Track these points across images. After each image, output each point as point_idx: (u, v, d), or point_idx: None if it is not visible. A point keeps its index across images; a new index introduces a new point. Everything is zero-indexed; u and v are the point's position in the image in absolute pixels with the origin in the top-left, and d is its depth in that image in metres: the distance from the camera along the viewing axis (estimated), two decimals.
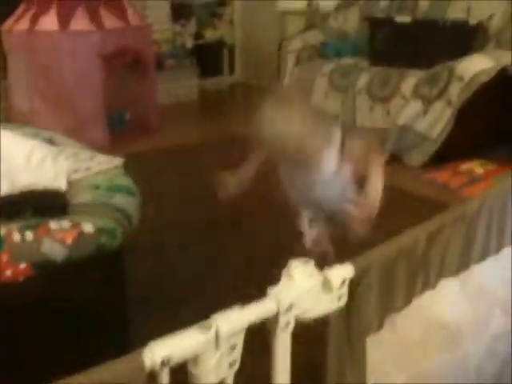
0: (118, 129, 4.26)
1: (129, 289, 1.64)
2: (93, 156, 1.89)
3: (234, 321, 0.63)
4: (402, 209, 3.03)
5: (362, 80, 3.95)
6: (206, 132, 4.50)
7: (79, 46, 3.87)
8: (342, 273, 0.74)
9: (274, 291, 0.68)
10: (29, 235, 1.35)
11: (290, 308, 0.68)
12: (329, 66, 4.20)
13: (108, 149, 3.97)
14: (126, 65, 4.27)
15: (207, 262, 2.43)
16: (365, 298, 0.80)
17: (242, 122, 5.36)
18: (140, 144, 4.11)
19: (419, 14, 4.16)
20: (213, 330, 0.62)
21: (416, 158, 3.61)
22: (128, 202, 1.58)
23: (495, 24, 3.79)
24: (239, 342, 0.64)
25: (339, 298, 0.74)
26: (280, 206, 1.98)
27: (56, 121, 3.91)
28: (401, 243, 0.87)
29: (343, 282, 0.74)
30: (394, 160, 3.67)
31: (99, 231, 1.39)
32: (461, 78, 3.42)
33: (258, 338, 0.71)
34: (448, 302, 1.16)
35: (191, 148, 4.10)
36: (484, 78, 3.38)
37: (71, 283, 1.41)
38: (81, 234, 1.36)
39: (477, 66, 3.44)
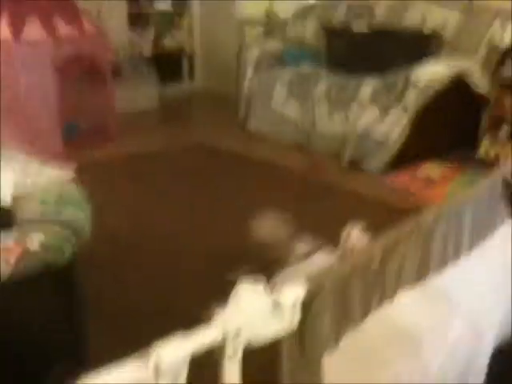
0: (74, 138, 4.16)
1: (81, 304, 1.57)
2: (42, 169, 1.81)
3: (175, 350, 0.59)
4: (362, 215, 3.02)
5: (321, 87, 3.95)
6: (166, 140, 4.43)
7: (32, 56, 3.75)
8: (293, 293, 0.71)
9: (219, 316, 0.64)
10: None
11: (237, 334, 0.63)
12: (288, 74, 4.19)
13: (63, 159, 3.88)
14: (82, 73, 4.18)
15: (164, 276, 2.37)
16: (318, 318, 0.76)
17: (203, 130, 5.30)
18: (97, 153, 4.02)
19: (376, 21, 4.20)
20: (152, 362, 0.57)
21: (375, 163, 3.63)
22: (77, 217, 1.51)
23: (449, 32, 3.86)
24: (182, 373, 0.60)
25: (291, 320, 0.71)
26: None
27: (8, 132, 3.79)
28: (354, 260, 0.84)
29: (295, 302, 0.71)
30: (354, 166, 3.69)
31: (45, 248, 1.33)
32: (416, 85, 3.46)
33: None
34: (408, 309, 1.15)
35: (149, 157, 4.03)
36: (438, 85, 3.43)
37: (19, 300, 1.34)
38: (25, 252, 1.29)
39: (431, 72, 3.48)
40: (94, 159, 3.87)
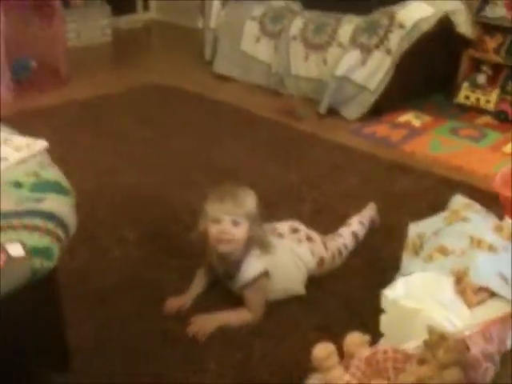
0: (24, 80, 3.78)
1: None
2: (7, 138, 1.53)
3: None
4: (348, 168, 2.87)
5: (296, 25, 3.67)
6: (124, 80, 4.08)
7: None
8: None
9: None
10: None
11: None
12: (259, 9, 3.87)
13: (13, 104, 3.51)
14: (28, 5, 3.74)
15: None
16: None
17: (163, 68, 4.88)
18: (51, 96, 3.66)
19: None
20: None
21: (354, 110, 3.44)
22: (61, 205, 1.27)
23: None
24: None
25: None
26: None
27: None
28: None
29: None
30: (332, 113, 3.49)
31: (31, 253, 1.09)
32: (402, 26, 3.24)
33: None
34: None
35: (110, 99, 3.69)
36: (425, 27, 3.23)
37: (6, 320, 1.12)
38: (8, 261, 1.06)
39: (418, 13, 3.27)
40: (45, 103, 3.52)
